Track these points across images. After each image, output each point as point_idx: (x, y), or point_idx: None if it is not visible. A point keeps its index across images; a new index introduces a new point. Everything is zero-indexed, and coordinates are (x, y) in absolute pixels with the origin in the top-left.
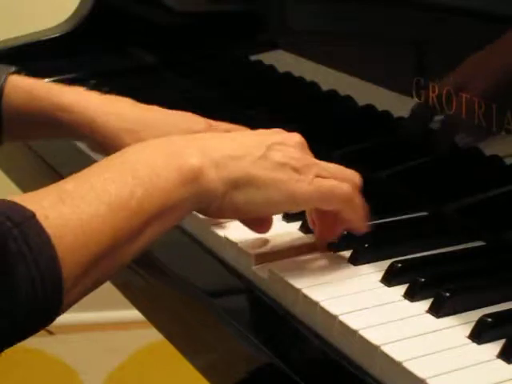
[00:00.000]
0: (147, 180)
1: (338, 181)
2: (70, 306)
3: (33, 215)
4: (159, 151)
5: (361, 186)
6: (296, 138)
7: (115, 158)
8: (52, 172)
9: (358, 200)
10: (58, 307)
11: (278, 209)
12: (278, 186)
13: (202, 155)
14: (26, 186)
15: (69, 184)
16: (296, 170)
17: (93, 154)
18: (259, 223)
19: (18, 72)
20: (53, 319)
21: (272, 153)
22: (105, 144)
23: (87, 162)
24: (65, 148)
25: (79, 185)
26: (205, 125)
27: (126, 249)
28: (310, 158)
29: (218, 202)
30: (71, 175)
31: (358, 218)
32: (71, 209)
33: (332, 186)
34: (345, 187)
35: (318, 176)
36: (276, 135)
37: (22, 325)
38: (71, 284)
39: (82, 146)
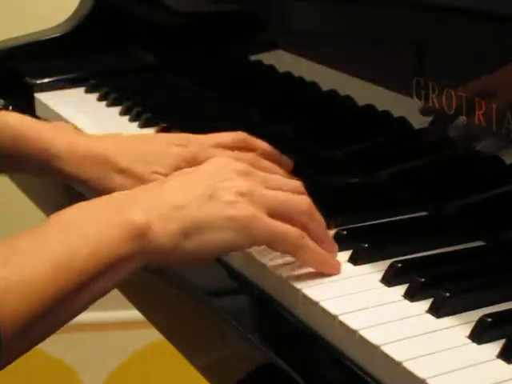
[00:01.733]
0: (92, 238)
1: (290, 211)
2: (7, 363)
3: None
4: (104, 210)
5: (312, 212)
6: (242, 167)
7: (62, 215)
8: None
9: (308, 248)
10: None
11: (232, 248)
12: (230, 225)
13: (146, 211)
14: (27, 187)
15: (16, 241)
16: (247, 205)
17: None
18: None
19: (5, 107)
20: None
21: (220, 189)
22: (95, 186)
23: None
24: None
25: (26, 243)
26: (180, 160)
27: (70, 307)
28: (258, 191)
29: (169, 255)
30: (23, 232)
31: (312, 264)
32: (15, 270)
33: (285, 230)
34: (293, 234)
35: (267, 210)
36: (223, 170)
37: None
38: (9, 344)
39: None
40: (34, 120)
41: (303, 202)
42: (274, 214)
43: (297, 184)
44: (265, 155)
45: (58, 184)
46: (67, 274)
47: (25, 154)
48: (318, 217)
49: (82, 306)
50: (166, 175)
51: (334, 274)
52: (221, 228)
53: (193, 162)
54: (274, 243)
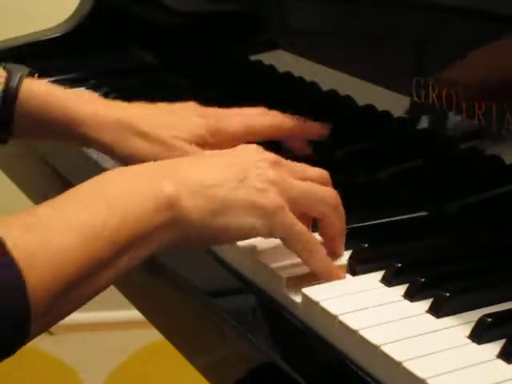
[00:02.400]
0: (121, 209)
1: (316, 201)
2: (39, 334)
3: (2, 243)
4: (134, 179)
5: (337, 204)
6: (271, 157)
7: (89, 185)
8: (52, 172)
9: (317, 255)
10: (23, 338)
11: (254, 235)
12: (256, 212)
13: (177, 183)
14: (27, 187)
15: (41, 211)
16: (275, 194)
17: (97, 157)
18: None
19: (31, 74)
20: (18, 348)
21: (249, 177)
22: (120, 153)
23: (88, 162)
24: (66, 149)
25: (52, 213)
26: (205, 130)
27: (99, 278)
28: (286, 181)
29: (195, 231)
30: (45, 202)
31: (316, 270)
32: (42, 238)
33: (303, 230)
34: (307, 238)
35: (292, 201)
36: (254, 157)
37: None
38: (41, 313)
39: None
40: (58, 87)
41: (329, 192)
42: (299, 203)
43: (322, 172)
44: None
45: (57, 182)
46: (94, 244)
47: (49, 120)
48: (341, 210)
49: (115, 275)
50: (187, 141)
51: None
52: (247, 213)
53: (217, 133)
54: (289, 238)
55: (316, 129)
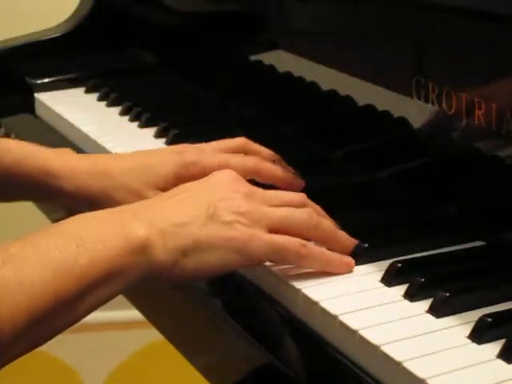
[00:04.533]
0: (92, 248)
1: (292, 227)
2: (5, 364)
3: None
4: (106, 221)
5: (316, 224)
6: (242, 188)
7: (64, 225)
8: None
9: (312, 255)
10: None
11: (232, 267)
12: (229, 245)
13: (148, 226)
14: None
15: (14, 247)
16: (246, 224)
17: None
18: None
19: (6, 135)
20: None
21: (219, 210)
22: (94, 205)
23: None
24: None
25: (24, 248)
26: (177, 165)
27: (67, 315)
28: (259, 210)
29: (168, 272)
30: (21, 238)
31: (320, 268)
32: (12, 272)
33: (285, 242)
34: (294, 245)
35: (270, 228)
36: (226, 188)
37: None
38: (7, 347)
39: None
40: (34, 145)
41: (304, 215)
42: (275, 230)
43: (299, 196)
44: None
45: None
46: (66, 280)
47: (26, 177)
48: (324, 224)
49: (81, 313)
50: (164, 187)
51: (347, 272)
52: (219, 248)
53: (192, 167)
54: (276, 257)
55: (295, 185)
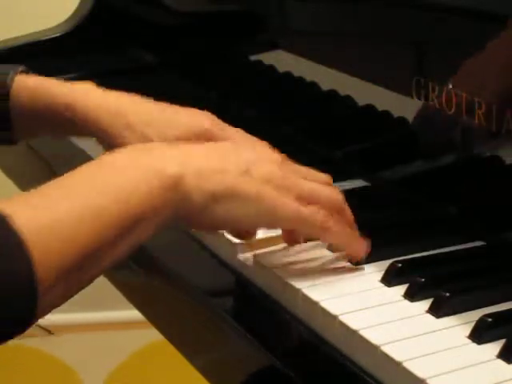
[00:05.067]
0: (125, 187)
1: (320, 201)
2: (46, 311)
3: (5, 217)
4: (141, 157)
5: (342, 205)
6: (276, 156)
7: (95, 165)
8: (52, 172)
9: (334, 230)
10: (32, 311)
11: (257, 225)
12: (260, 203)
13: (183, 164)
14: (26, 186)
15: (47, 189)
16: (278, 188)
17: (95, 155)
18: (242, 234)
19: (26, 71)
20: (29, 324)
21: (254, 168)
22: (108, 142)
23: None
24: (65, 147)
25: (58, 190)
26: (207, 125)
27: (104, 255)
28: (291, 178)
29: (197, 214)
30: (50, 181)
31: (340, 245)
32: (47, 214)
33: (312, 212)
34: (319, 217)
35: (298, 197)
36: (261, 153)
37: None
38: (45, 289)
39: (83, 145)
40: (50, 79)
41: (334, 193)
42: (303, 200)
43: (327, 178)
44: None
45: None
46: (99, 221)
47: (41, 111)
48: (347, 211)
49: (120, 253)
50: (181, 137)
51: (361, 257)
52: (250, 202)
53: (204, 135)
54: (298, 225)
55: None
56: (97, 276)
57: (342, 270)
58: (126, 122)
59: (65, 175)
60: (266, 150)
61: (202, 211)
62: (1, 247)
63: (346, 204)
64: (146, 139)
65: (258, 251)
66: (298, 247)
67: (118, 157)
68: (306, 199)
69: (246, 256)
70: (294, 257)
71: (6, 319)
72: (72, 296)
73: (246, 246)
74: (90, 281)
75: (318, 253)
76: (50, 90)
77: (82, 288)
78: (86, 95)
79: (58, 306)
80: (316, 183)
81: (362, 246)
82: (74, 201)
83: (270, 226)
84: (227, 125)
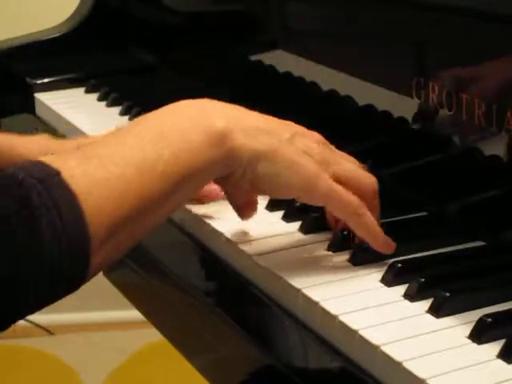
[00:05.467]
0: (174, 143)
1: (358, 185)
2: (96, 271)
3: (57, 173)
4: (187, 114)
5: (376, 195)
6: (318, 136)
7: (142, 121)
8: None
9: (366, 218)
10: (85, 268)
11: (292, 193)
12: (300, 170)
13: (230, 121)
14: None
15: (95, 146)
16: (317, 162)
17: None
18: (248, 208)
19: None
20: (80, 283)
21: (297, 139)
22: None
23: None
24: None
25: (106, 146)
26: None
27: (154, 211)
28: (331, 154)
29: (241, 170)
30: (100, 138)
31: (366, 234)
32: (98, 169)
33: (347, 194)
34: (355, 202)
35: (334, 175)
36: (304, 129)
37: (48, 285)
38: (98, 245)
39: None
40: (7, 135)
41: (372, 180)
42: (341, 180)
43: (365, 168)
44: None
45: None
46: (150, 176)
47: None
48: (377, 202)
49: (168, 209)
50: None
51: (387, 253)
52: (292, 170)
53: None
54: (332, 204)
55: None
56: (150, 229)
57: (342, 269)
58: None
59: (113, 133)
60: (310, 131)
61: (246, 168)
62: (54, 202)
63: (378, 195)
64: None
65: (257, 251)
66: (298, 247)
67: (167, 114)
68: (343, 179)
69: (246, 256)
70: (294, 257)
71: (59, 278)
72: (125, 250)
73: (245, 246)
74: (142, 235)
75: (318, 253)
76: (8, 147)
77: (134, 243)
78: (43, 145)
79: (109, 263)
80: (356, 166)
81: (387, 242)
82: (124, 156)
83: (305, 197)
84: None
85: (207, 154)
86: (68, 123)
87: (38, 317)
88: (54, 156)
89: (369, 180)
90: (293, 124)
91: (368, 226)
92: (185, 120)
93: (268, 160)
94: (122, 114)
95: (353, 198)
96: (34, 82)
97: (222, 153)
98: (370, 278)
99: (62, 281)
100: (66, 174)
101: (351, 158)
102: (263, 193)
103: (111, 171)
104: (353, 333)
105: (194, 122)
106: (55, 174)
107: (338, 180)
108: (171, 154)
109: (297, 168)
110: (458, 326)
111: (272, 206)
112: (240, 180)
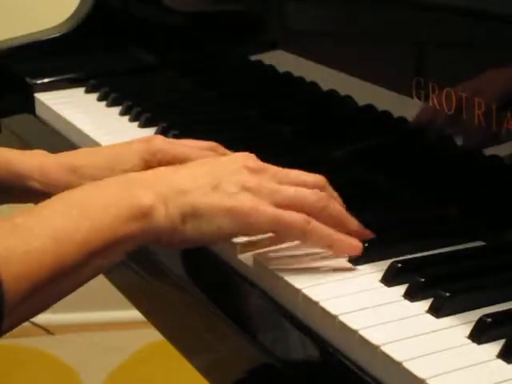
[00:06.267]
0: (95, 215)
1: (301, 204)
2: (10, 329)
3: None
4: (113, 189)
5: (325, 203)
6: (252, 164)
7: (68, 194)
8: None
9: (318, 231)
10: None
11: (232, 235)
12: (229, 213)
13: (153, 193)
14: None
15: (20, 217)
16: (252, 195)
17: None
18: None
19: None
20: None
21: (224, 184)
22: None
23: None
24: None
25: (30, 218)
26: (144, 153)
27: (68, 280)
28: (268, 183)
29: (167, 237)
30: (32, 207)
31: (325, 246)
32: (19, 242)
33: (289, 217)
34: (298, 220)
35: (275, 203)
36: (234, 165)
37: None
38: (10, 310)
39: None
40: (4, 149)
41: (312, 197)
42: (283, 207)
43: (315, 178)
44: None
45: None
46: (67, 248)
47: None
48: (332, 207)
49: (85, 277)
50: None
51: (354, 254)
52: (217, 216)
53: (159, 154)
54: (279, 231)
55: None
56: (59, 298)
57: (341, 269)
58: (81, 176)
59: (40, 204)
60: (242, 160)
61: (173, 233)
62: None
63: (335, 197)
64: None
65: (257, 251)
66: (298, 247)
67: (90, 188)
68: (283, 206)
69: (246, 256)
70: (294, 257)
71: None
72: (34, 315)
73: (245, 246)
74: (60, 298)
75: (318, 253)
76: (5, 162)
77: (51, 305)
78: (40, 162)
79: (20, 323)
80: (293, 188)
81: (348, 246)
82: (44, 227)
83: (248, 233)
84: (166, 144)
85: (128, 228)
86: (68, 123)
87: (37, 316)
88: None
89: (310, 198)
90: (225, 162)
91: (323, 238)
92: (110, 195)
93: (193, 219)
94: (122, 113)
95: (295, 218)
96: (34, 82)
97: (144, 227)
98: (370, 277)
99: None
100: None
101: (292, 175)
102: (201, 245)
103: (31, 244)
104: (353, 333)
105: (119, 197)
106: None
107: (280, 207)
108: (90, 227)
109: (225, 213)
110: (457, 326)
111: None
112: (170, 244)
